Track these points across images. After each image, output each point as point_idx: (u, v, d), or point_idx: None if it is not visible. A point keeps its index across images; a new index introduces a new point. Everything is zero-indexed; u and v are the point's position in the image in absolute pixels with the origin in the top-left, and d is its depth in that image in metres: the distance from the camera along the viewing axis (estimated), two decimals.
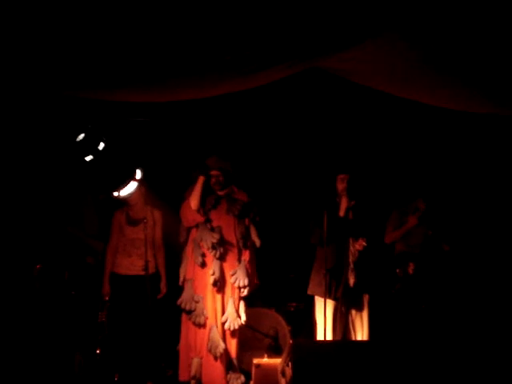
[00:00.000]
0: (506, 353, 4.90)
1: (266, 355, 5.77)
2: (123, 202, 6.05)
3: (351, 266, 5.59)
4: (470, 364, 4.74)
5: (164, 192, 6.30)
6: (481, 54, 4.22)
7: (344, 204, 5.64)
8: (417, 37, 4.07)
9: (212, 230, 5.52)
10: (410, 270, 6.33)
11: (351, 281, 5.57)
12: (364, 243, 5.58)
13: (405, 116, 6.41)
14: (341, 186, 5.71)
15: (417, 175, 6.72)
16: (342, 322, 5.61)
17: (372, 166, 6.89)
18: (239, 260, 5.59)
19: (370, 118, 6.66)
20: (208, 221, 5.56)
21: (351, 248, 5.63)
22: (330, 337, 5.58)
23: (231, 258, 5.57)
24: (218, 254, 5.48)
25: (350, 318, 5.68)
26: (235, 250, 5.59)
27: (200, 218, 5.54)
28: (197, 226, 5.57)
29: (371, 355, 4.72)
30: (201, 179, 5.52)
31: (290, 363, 4.98)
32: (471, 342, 5.13)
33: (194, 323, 5.45)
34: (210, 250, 5.48)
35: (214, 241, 5.46)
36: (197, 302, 5.45)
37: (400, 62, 4.44)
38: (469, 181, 6.86)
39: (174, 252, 6.01)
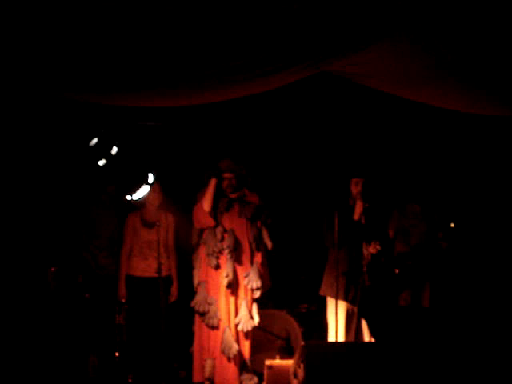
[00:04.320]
0: (506, 352, 4.89)
1: (278, 356, 5.78)
2: (139, 204, 6.08)
3: (364, 268, 5.65)
4: (473, 362, 4.75)
5: (176, 195, 6.34)
6: (491, 56, 4.24)
7: (359, 208, 5.67)
8: (428, 40, 4.10)
9: (222, 238, 5.56)
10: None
11: (365, 283, 5.62)
12: (378, 246, 5.62)
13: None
14: (355, 190, 5.74)
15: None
16: (355, 323, 5.64)
17: (381, 168, 6.94)
18: (252, 262, 5.63)
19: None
20: (218, 225, 5.60)
21: (364, 251, 5.67)
22: (342, 338, 5.61)
23: (244, 260, 5.61)
24: (232, 256, 5.52)
25: (362, 320, 5.71)
26: (248, 253, 5.62)
27: (211, 222, 5.58)
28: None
29: (383, 357, 4.73)
30: (213, 181, 5.56)
31: (301, 364, 5.01)
32: (474, 341, 5.14)
33: (207, 325, 5.48)
34: (208, 256, 5.52)
35: (216, 249, 5.50)
36: (210, 304, 5.48)
37: (411, 65, 4.47)
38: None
39: (186, 254, 6.05)
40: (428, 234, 6.60)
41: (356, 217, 5.68)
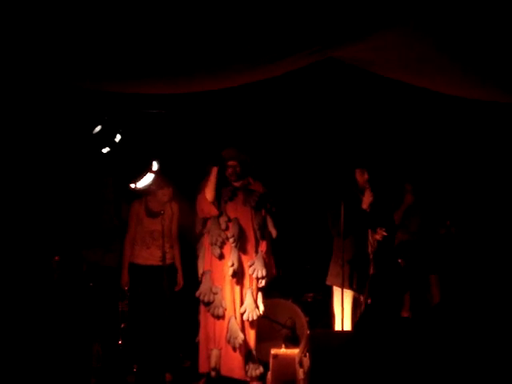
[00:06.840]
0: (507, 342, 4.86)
1: (283, 346, 5.77)
2: (145, 192, 6.03)
3: (370, 256, 5.63)
4: (481, 354, 4.72)
5: (180, 184, 6.30)
6: (496, 42, 4.18)
7: (368, 197, 5.62)
8: (435, 26, 4.04)
9: (226, 227, 5.51)
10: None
11: (370, 271, 5.59)
12: (384, 233, 5.60)
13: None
14: (362, 179, 5.70)
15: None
16: (361, 312, 5.63)
17: (383, 156, 6.89)
18: (256, 251, 5.60)
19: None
20: (221, 215, 5.56)
21: (370, 239, 5.65)
22: (348, 327, 5.59)
23: (249, 249, 5.59)
24: (237, 244, 5.48)
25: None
26: (252, 241, 5.60)
27: (215, 211, 5.54)
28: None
29: (388, 345, 4.70)
30: (214, 170, 5.52)
31: (307, 354, 4.99)
32: (476, 329, 5.11)
33: (212, 315, 5.47)
34: (212, 245, 5.48)
35: (220, 239, 5.47)
36: (215, 294, 5.47)
37: (417, 51, 4.41)
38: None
39: (190, 244, 6.02)
40: (425, 220, 6.57)
41: (365, 206, 5.64)
